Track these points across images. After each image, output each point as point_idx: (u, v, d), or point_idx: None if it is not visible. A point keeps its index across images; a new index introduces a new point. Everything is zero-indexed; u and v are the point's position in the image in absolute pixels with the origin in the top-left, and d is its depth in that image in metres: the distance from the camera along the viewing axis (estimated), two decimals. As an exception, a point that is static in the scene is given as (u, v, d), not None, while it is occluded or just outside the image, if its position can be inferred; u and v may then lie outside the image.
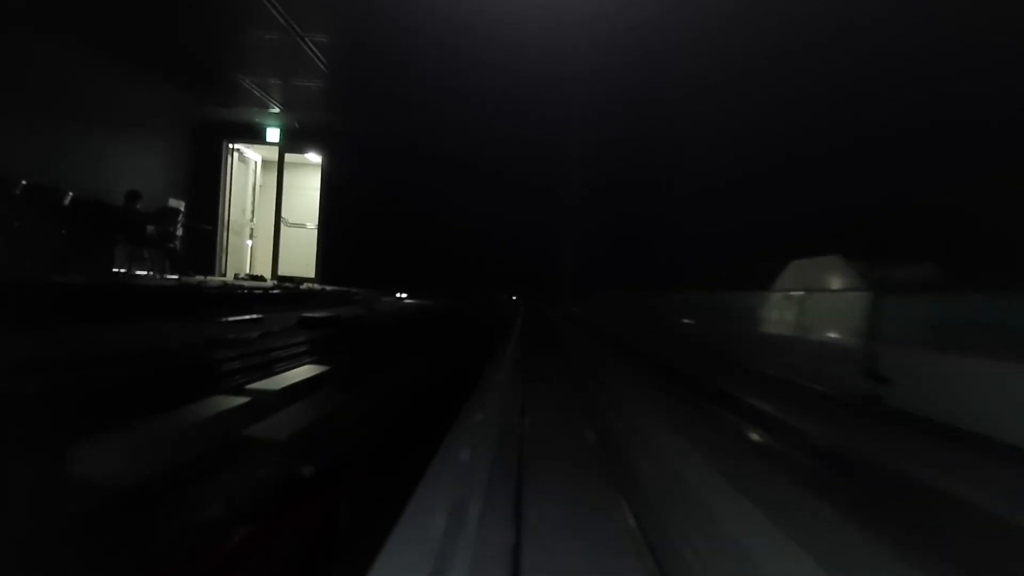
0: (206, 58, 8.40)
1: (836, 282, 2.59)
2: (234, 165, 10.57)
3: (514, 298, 10.68)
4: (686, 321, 3.90)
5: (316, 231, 10.87)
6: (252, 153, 11.09)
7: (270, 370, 1.66)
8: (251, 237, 11.23)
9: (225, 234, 10.51)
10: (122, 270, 7.00)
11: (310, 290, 6.05)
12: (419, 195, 10.50)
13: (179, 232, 8.43)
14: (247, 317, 2.68)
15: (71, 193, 6.20)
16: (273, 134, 10.35)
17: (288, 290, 5.21)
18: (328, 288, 7.76)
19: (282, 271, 10.68)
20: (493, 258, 10.77)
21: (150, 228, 7.12)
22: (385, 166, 10.61)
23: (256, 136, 10.41)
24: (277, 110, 9.90)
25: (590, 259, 10.13)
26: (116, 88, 8.19)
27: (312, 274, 10.78)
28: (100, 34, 7.53)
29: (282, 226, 10.84)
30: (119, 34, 7.57)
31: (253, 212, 11.20)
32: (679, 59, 6.64)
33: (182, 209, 7.65)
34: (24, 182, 5.59)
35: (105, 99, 7.99)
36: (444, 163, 10.49)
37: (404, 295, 7.04)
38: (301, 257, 11.04)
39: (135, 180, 8.01)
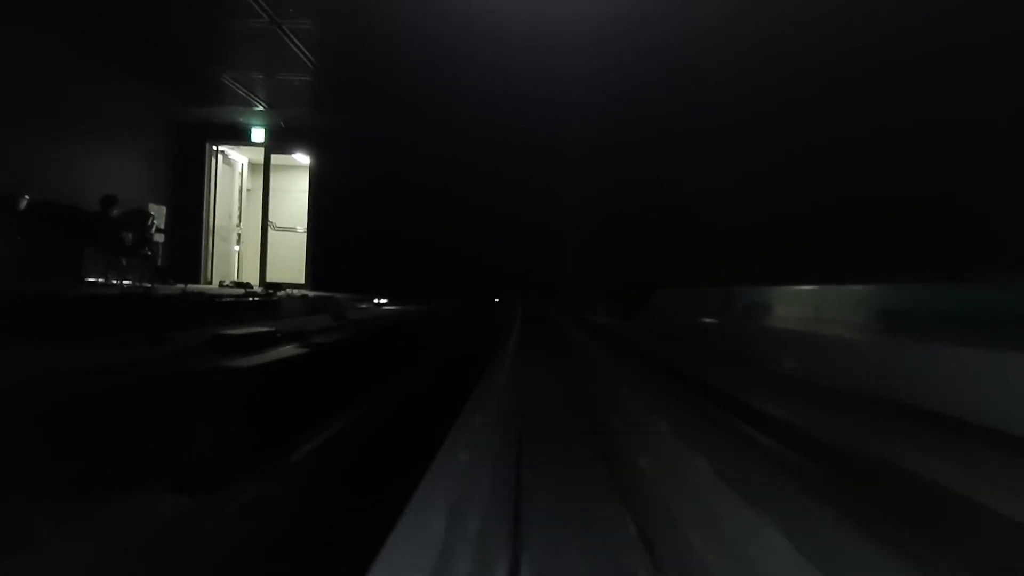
0: (184, 54, 7.96)
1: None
2: (218, 168, 10.13)
3: (496, 300, 10.06)
4: None
5: (305, 235, 10.42)
6: (238, 155, 10.65)
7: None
8: (238, 243, 10.78)
9: (210, 240, 10.07)
10: (96, 279, 6.55)
11: (285, 297, 5.57)
12: (412, 195, 10.04)
13: (154, 238, 7.97)
14: (147, 337, 2.16)
15: (27, 197, 5.75)
16: (258, 134, 9.90)
17: (247, 297, 4.71)
18: (310, 294, 7.29)
19: (271, 277, 10.24)
20: (492, 260, 10.29)
21: (121, 234, 6.65)
22: (376, 166, 10.16)
23: (240, 137, 9.97)
24: (261, 108, 9.46)
25: (592, 259, 9.64)
26: (88, 87, 7.76)
27: (302, 280, 10.33)
28: (70, 30, 7.11)
29: (270, 230, 10.40)
30: (90, 30, 7.13)
31: (240, 217, 10.76)
32: (680, 57, 6.42)
33: (153, 213, 7.19)
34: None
35: (77, 100, 7.56)
36: (439, 162, 10.03)
37: (384, 300, 6.53)
38: (291, 262, 10.59)
39: (112, 184, 7.56)
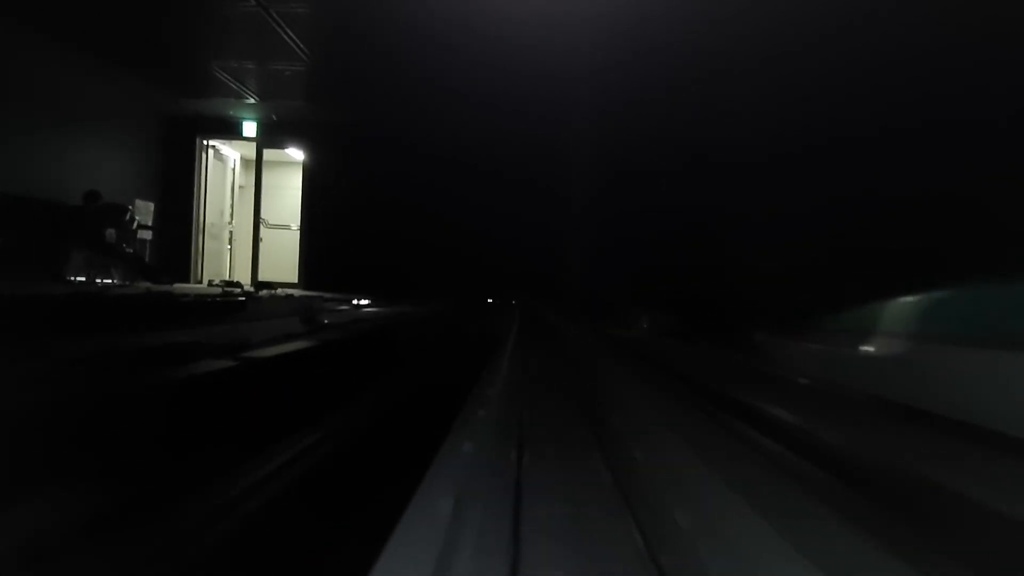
0: (169, 41, 7.62)
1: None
2: (209, 163, 9.81)
3: (490, 301, 9.65)
4: None
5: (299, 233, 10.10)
6: (230, 150, 10.33)
7: None
8: (231, 241, 10.46)
9: (200, 238, 9.75)
10: (73, 278, 6.22)
11: (256, 297, 5.22)
12: (409, 194, 9.69)
13: (139, 234, 7.66)
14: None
15: (-8, 189, 5.42)
16: (249, 128, 9.58)
17: (209, 298, 4.34)
18: (295, 294, 6.96)
19: (263, 276, 9.91)
20: (490, 260, 9.93)
21: (96, 230, 6.32)
22: (371, 163, 9.81)
23: (231, 130, 9.64)
24: (252, 101, 9.11)
25: (595, 258, 9.27)
26: (69, 78, 7.45)
27: (296, 279, 10.00)
28: (49, 19, 6.80)
29: (263, 228, 10.08)
30: (70, 18, 6.81)
31: (232, 214, 10.43)
32: (682, 57, 6.35)
33: (131, 208, 6.85)
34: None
35: (58, 91, 7.25)
36: (437, 160, 9.69)
37: (366, 301, 6.15)
38: (284, 261, 10.26)
39: (96, 180, 7.25)
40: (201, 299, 4.05)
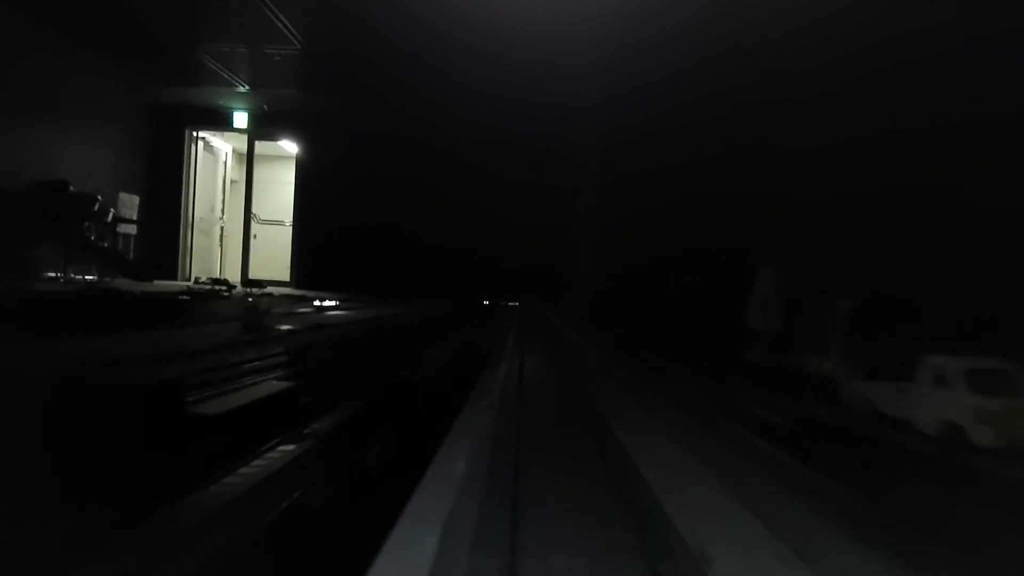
0: (157, 28, 7.23)
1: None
2: (199, 156, 9.43)
3: (486, 303, 9.20)
4: None
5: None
6: (221, 143, 9.95)
7: None
8: (222, 237, 10.08)
9: (189, 233, 9.36)
10: (54, 274, 5.81)
11: (209, 299, 4.79)
12: (407, 190, 9.26)
13: (119, 228, 7.28)
14: None
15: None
16: (240, 119, 9.18)
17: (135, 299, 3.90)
18: (275, 292, 6.53)
19: (255, 274, 9.51)
20: (490, 260, 9.49)
21: (64, 223, 5.93)
22: (368, 157, 9.38)
23: (221, 121, 9.26)
24: (243, 90, 8.70)
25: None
26: (51, 65, 7.06)
27: (287, 276, 9.61)
28: (30, 3, 6.44)
29: (255, 223, 9.69)
30: (53, 3, 6.44)
31: (224, 209, 10.04)
32: (685, 56, 6.35)
33: (100, 199, 6.44)
34: None
35: (38, 78, 6.87)
36: (438, 156, 9.26)
37: (333, 303, 5.68)
38: (278, 259, 9.87)
39: (76, 171, 6.85)
40: (144, 299, 3.62)
